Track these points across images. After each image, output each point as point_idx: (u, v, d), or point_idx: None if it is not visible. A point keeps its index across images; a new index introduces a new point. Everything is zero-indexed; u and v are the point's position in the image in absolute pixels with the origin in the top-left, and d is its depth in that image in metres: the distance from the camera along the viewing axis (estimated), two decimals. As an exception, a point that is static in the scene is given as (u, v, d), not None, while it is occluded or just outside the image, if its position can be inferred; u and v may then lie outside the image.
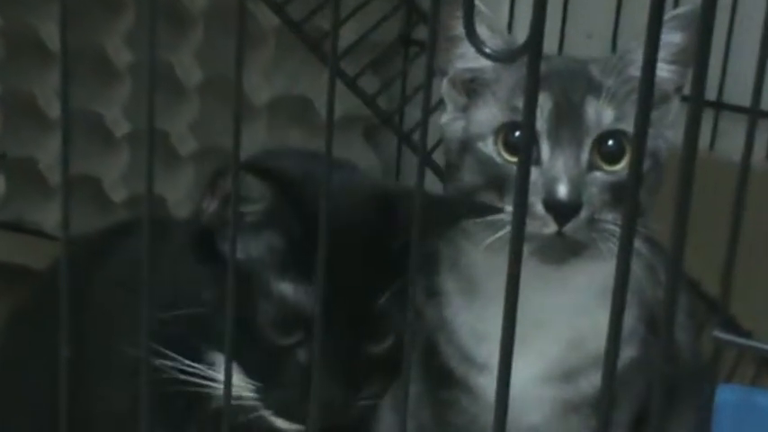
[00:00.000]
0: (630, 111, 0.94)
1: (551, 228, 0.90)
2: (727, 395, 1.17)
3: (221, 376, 0.84)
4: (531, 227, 0.89)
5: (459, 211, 0.96)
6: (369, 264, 0.90)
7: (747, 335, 1.39)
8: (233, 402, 0.80)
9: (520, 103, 0.90)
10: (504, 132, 0.94)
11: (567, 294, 0.98)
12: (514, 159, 0.94)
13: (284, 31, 1.38)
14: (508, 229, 0.76)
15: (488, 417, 0.62)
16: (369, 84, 1.41)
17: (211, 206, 0.90)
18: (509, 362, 0.59)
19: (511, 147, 0.95)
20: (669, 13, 0.95)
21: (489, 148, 0.95)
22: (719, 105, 1.48)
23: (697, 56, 0.55)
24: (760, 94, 0.60)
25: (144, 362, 0.73)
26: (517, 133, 0.94)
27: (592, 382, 1.00)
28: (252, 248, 0.90)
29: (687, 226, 0.57)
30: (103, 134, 1.51)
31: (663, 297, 0.87)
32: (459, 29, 0.92)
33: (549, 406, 1.02)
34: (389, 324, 0.91)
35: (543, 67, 0.90)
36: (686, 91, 0.96)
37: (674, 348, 1.04)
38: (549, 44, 1.47)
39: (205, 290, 0.90)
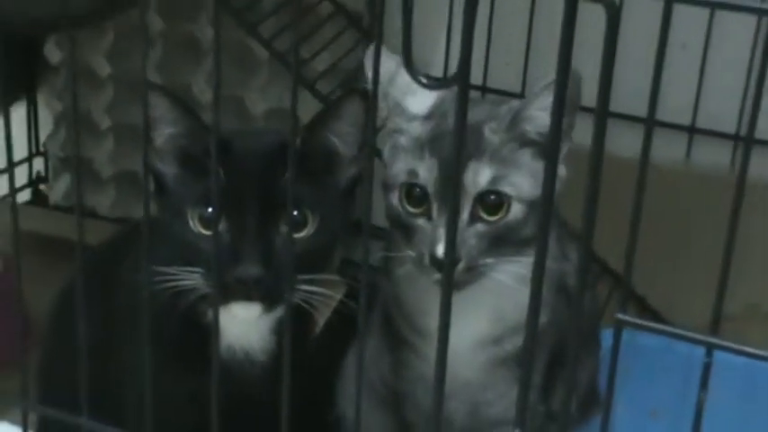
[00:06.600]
0: (515, 165, 0.97)
1: (436, 276, 0.95)
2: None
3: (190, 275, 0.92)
4: (424, 272, 0.97)
5: None
6: (268, 155, 0.94)
7: (654, 313, 1.52)
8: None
9: (416, 165, 0.97)
10: (405, 189, 0.98)
11: (485, 288, 1.01)
12: (417, 210, 0.99)
13: (274, 60, 1.45)
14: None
15: (433, 373, 0.70)
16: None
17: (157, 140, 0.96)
18: (445, 344, 0.68)
19: (413, 200, 0.99)
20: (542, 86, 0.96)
21: (396, 201, 0.99)
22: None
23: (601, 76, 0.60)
24: (655, 105, 0.63)
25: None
26: (418, 190, 0.99)
27: (514, 343, 1.06)
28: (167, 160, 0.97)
29: (596, 211, 0.63)
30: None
31: (574, 271, 1.03)
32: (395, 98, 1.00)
33: (481, 363, 1.08)
34: (303, 206, 0.94)
35: (440, 128, 0.97)
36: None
37: (582, 312, 1.05)
38: (475, 71, 1.51)
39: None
